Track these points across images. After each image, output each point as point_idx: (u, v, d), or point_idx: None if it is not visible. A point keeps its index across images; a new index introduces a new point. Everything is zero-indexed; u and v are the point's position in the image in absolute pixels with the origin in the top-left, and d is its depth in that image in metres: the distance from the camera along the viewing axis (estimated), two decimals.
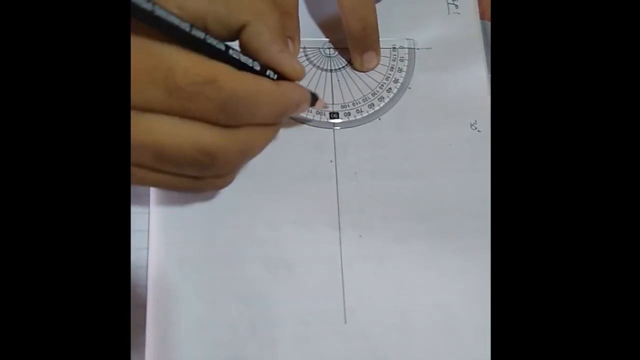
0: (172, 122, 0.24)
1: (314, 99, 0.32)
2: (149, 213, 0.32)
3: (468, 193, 0.35)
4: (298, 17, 0.36)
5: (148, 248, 0.32)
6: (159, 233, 0.32)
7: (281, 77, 0.28)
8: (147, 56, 0.23)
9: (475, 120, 0.36)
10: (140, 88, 0.23)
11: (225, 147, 0.26)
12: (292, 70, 0.28)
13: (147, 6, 0.22)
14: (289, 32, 0.36)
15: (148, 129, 0.24)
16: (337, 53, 0.38)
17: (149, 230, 0.32)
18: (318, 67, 0.37)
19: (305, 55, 0.37)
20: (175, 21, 0.23)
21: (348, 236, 0.33)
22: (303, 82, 0.36)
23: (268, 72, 0.28)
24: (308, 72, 0.37)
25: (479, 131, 0.36)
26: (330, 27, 0.38)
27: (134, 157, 0.25)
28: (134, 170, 0.26)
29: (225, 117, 0.25)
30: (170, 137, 0.24)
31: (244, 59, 0.26)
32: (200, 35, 0.24)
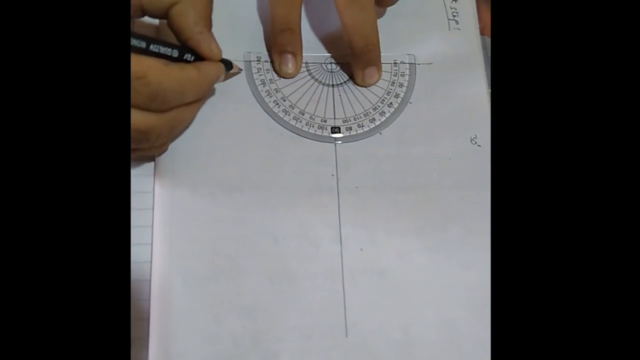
0: None
1: (229, 67, 0.34)
2: (152, 226, 0.32)
3: (469, 207, 0.35)
4: (300, 33, 0.37)
5: (151, 261, 0.32)
6: (162, 246, 0.32)
7: (199, 57, 0.32)
8: None
9: (475, 135, 0.37)
10: None
11: (156, 126, 0.29)
12: (209, 52, 0.31)
13: None
14: (292, 48, 0.36)
15: None
16: (338, 68, 0.38)
17: (152, 244, 0.32)
18: (320, 82, 0.37)
19: (308, 70, 0.38)
20: None
21: (350, 250, 0.33)
22: (306, 96, 0.37)
23: (185, 56, 0.31)
24: (310, 87, 0.37)
25: (479, 145, 0.36)
26: (332, 43, 0.38)
27: None
28: None
29: (154, 106, 0.29)
30: None
31: (163, 50, 0.30)
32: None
